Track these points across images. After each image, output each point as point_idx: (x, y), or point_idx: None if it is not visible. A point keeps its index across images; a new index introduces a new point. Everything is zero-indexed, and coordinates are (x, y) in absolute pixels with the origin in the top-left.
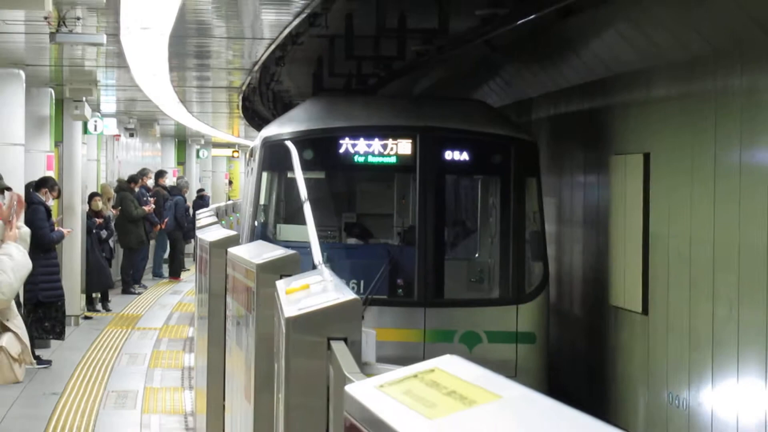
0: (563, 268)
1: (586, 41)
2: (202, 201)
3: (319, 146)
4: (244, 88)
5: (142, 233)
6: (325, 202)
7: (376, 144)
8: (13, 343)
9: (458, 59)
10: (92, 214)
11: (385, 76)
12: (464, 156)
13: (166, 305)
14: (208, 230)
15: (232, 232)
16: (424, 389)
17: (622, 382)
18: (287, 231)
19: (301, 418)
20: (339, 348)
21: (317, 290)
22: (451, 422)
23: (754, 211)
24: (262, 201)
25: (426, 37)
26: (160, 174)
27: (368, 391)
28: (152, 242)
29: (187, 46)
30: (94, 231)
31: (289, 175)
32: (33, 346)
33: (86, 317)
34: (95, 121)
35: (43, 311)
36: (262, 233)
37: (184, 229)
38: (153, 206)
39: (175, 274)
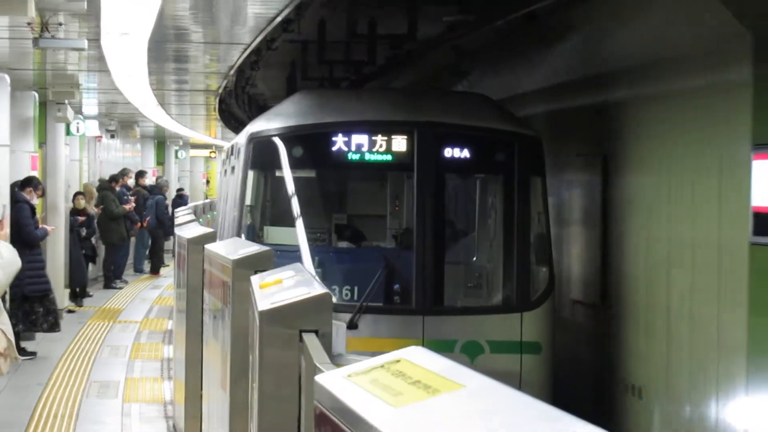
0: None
1: (549, 46)
2: (181, 200)
3: (309, 143)
4: (220, 91)
5: (123, 231)
6: (316, 202)
7: (371, 140)
8: None
9: (426, 63)
10: (75, 212)
11: (356, 79)
12: (465, 153)
13: (147, 299)
14: (187, 228)
15: (209, 230)
16: (390, 379)
17: (584, 372)
18: (275, 234)
19: (274, 407)
20: (310, 340)
21: (290, 285)
22: (415, 410)
23: (706, 210)
24: (248, 202)
25: (395, 42)
26: (140, 174)
27: (337, 381)
28: (132, 239)
29: (166, 51)
30: (75, 228)
31: (278, 174)
32: (19, 339)
33: (70, 311)
34: (77, 123)
35: (29, 305)
36: (249, 236)
37: (165, 226)
38: (133, 205)
39: (155, 269)
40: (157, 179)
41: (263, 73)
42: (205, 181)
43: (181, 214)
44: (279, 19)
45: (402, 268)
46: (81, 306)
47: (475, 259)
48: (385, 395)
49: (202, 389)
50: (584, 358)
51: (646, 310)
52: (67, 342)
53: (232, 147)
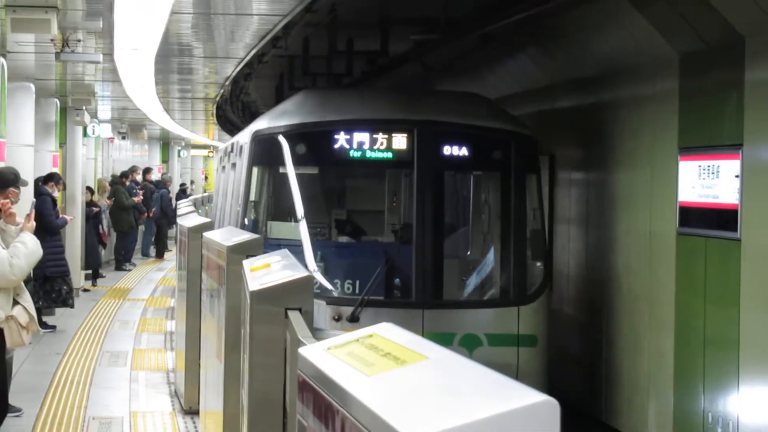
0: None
1: (502, 62)
2: (184, 194)
3: (312, 140)
4: (217, 99)
5: (132, 220)
6: (318, 198)
7: (373, 138)
8: (21, 314)
9: (397, 76)
10: (89, 204)
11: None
12: (463, 151)
13: (152, 280)
14: (187, 218)
15: (207, 220)
16: (364, 351)
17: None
18: (278, 228)
19: (262, 375)
20: (294, 317)
21: (277, 268)
22: (385, 378)
23: (638, 201)
24: (252, 197)
25: (370, 57)
26: (147, 170)
27: (318, 353)
28: (141, 227)
29: (170, 64)
30: (90, 218)
31: (281, 170)
32: (40, 314)
33: (85, 290)
34: (93, 126)
35: (50, 285)
36: (253, 231)
37: (168, 216)
38: (141, 197)
39: (160, 254)
40: (162, 175)
41: (255, 83)
42: (204, 176)
43: (183, 206)
44: (269, 36)
45: (402, 263)
46: (95, 285)
47: (473, 254)
48: (359, 366)
49: (200, 359)
50: None
51: (588, 287)
52: (83, 317)
53: (233, 145)
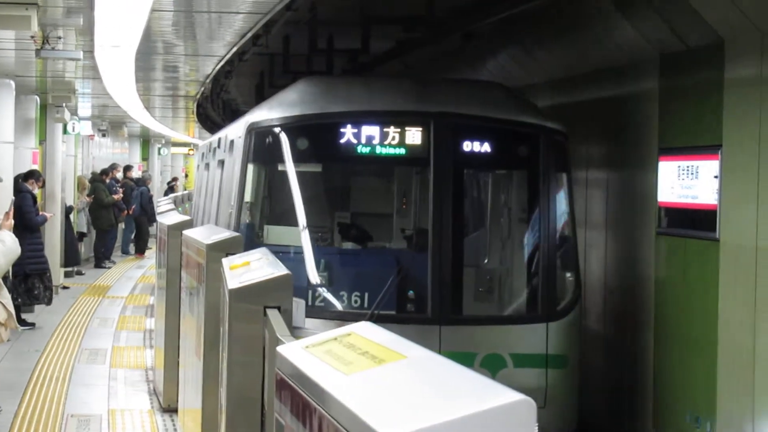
0: None
1: (483, 61)
2: (171, 191)
3: (316, 134)
4: (198, 96)
5: (112, 217)
6: (321, 200)
7: (384, 132)
8: (0, 311)
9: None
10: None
11: None
12: (486, 147)
13: (132, 277)
14: (167, 215)
15: (187, 217)
16: (342, 350)
17: None
18: (276, 233)
19: (241, 373)
20: (273, 315)
21: (256, 267)
22: (363, 377)
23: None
24: (247, 198)
25: (351, 56)
26: (127, 168)
27: (296, 352)
28: (121, 225)
29: (151, 62)
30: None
31: (280, 168)
32: (20, 312)
33: (64, 287)
34: (73, 123)
35: (31, 282)
36: (246, 236)
37: (148, 214)
38: (121, 195)
39: (140, 251)
40: (142, 173)
41: (235, 81)
42: (184, 174)
43: (163, 204)
44: (249, 34)
45: (416, 273)
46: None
47: (497, 264)
48: (337, 364)
49: (179, 357)
50: None
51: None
52: (62, 314)
53: (219, 140)
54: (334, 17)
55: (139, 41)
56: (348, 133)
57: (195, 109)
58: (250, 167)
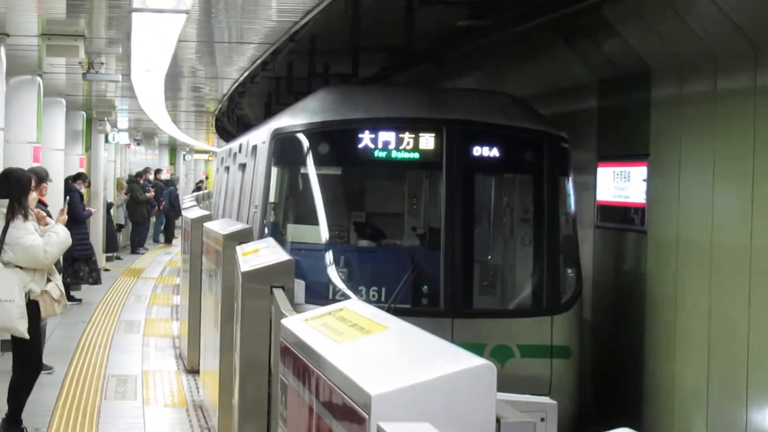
0: None
1: (453, 84)
2: (199, 189)
3: (336, 140)
4: (216, 112)
5: (145, 212)
6: (340, 201)
7: (399, 137)
8: (54, 289)
9: None
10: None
11: None
12: (494, 152)
13: (162, 262)
14: (191, 211)
15: (207, 212)
16: (335, 322)
17: None
18: (298, 232)
19: (251, 342)
20: (278, 293)
21: (264, 253)
22: (353, 344)
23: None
24: (271, 199)
25: (343, 79)
26: (158, 171)
27: (297, 324)
28: (152, 218)
29: (177, 83)
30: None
31: (302, 171)
32: (69, 290)
33: (106, 269)
34: (113, 134)
35: (78, 265)
36: (272, 233)
37: (176, 209)
38: (153, 193)
39: (168, 240)
40: (170, 175)
41: (247, 100)
42: (204, 177)
43: (187, 201)
44: (259, 61)
45: (430, 270)
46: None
47: (505, 260)
48: (331, 334)
49: (200, 328)
50: None
51: None
52: (104, 292)
53: (241, 145)
54: (329, 47)
55: (168, 66)
56: (366, 138)
57: (214, 123)
58: (274, 170)
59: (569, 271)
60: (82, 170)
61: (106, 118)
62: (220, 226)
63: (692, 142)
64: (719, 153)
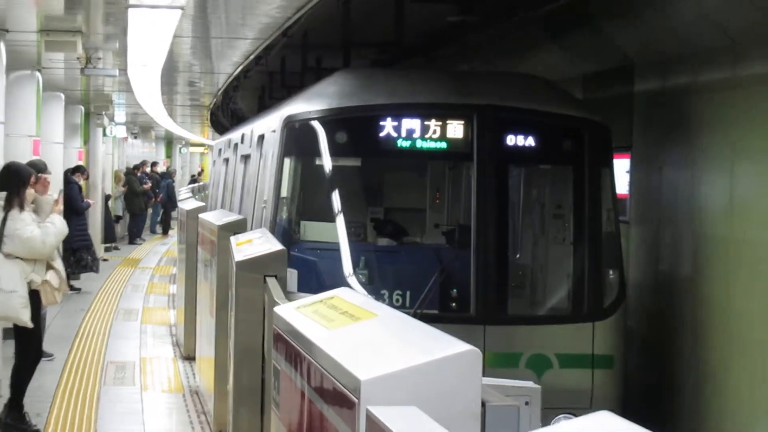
0: None
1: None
2: (194, 182)
3: (356, 127)
4: (211, 106)
5: (142, 203)
6: (360, 195)
7: (424, 125)
8: (54, 278)
9: None
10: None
11: None
12: (530, 141)
13: (158, 252)
14: (186, 202)
15: (202, 204)
16: (326, 310)
17: None
18: (314, 229)
19: (245, 329)
20: (271, 282)
21: (257, 243)
22: (343, 331)
23: None
24: (283, 193)
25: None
26: (154, 164)
27: (289, 311)
28: (149, 210)
29: (173, 78)
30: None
31: (318, 162)
32: (69, 279)
33: (104, 260)
34: (111, 128)
35: (79, 254)
36: (284, 231)
37: (172, 201)
38: (150, 185)
39: (165, 231)
40: (167, 168)
41: (241, 94)
42: (200, 169)
43: (183, 193)
44: (253, 56)
45: (460, 271)
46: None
47: (542, 261)
48: (322, 321)
49: (196, 315)
50: None
51: None
52: (102, 281)
53: (243, 136)
54: (321, 42)
55: (164, 61)
56: (388, 126)
57: (209, 116)
58: (287, 161)
59: (611, 272)
60: (81, 163)
61: (103, 112)
62: (215, 217)
63: (676, 135)
64: (701, 146)
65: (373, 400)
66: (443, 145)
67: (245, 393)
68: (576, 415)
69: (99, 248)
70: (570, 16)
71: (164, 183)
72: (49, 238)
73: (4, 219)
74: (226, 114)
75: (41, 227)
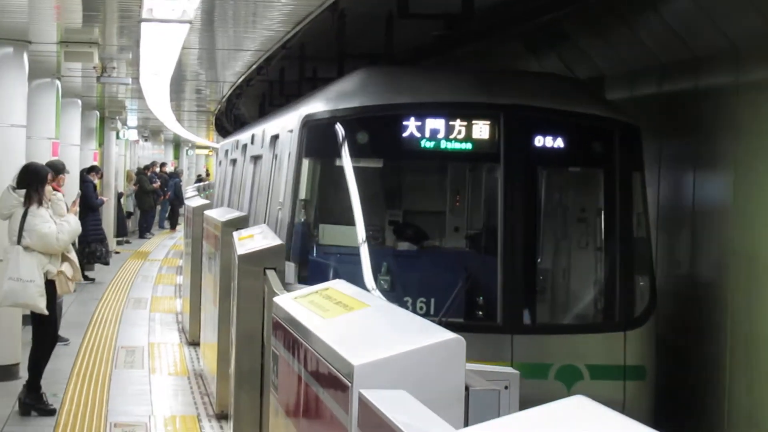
0: None
1: None
2: (200, 181)
3: (379, 127)
4: (216, 111)
5: (152, 201)
6: (382, 198)
7: (449, 125)
8: (68, 269)
9: None
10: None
11: None
12: (559, 142)
13: (166, 245)
14: (192, 200)
15: (207, 201)
16: (321, 300)
17: None
18: (334, 233)
19: (246, 317)
20: (271, 274)
21: (259, 238)
22: (337, 320)
23: None
24: (302, 195)
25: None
26: (163, 164)
27: (287, 301)
28: (158, 207)
29: (181, 86)
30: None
31: (338, 163)
32: (83, 270)
33: (116, 252)
34: (123, 131)
35: (93, 246)
36: (302, 235)
37: (180, 199)
38: (159, 184)
39: (172, 227)
40: (175, 168)
41: (244, 101)
42: (205, 170)
43: (189, 191)
44: (254, 66)
45: (485, 278)
46: (122, 245)
47: (572, 268)
48: (318, 311)
49: (201, 304)
50: None
51: None
52: (114, 272)
53: (254, 136)
54: (317, 54)
55: (173, 70)
56: (411, 126)
57: (214, 121)
58: (305, 162)
59: (643, 279)
60: (96, 163)
61: (117, 117)
62: (219, 214)
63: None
64: (665, 152)
65: (365, 384)
66: (468, 146)
67: (246, 376)
68: None
69: (112, 242)
70: (547, 33)
71: (172, 182)
72: (62, 235)
73: (24, 214)
74: (230, 119)
75: (57, 225)
